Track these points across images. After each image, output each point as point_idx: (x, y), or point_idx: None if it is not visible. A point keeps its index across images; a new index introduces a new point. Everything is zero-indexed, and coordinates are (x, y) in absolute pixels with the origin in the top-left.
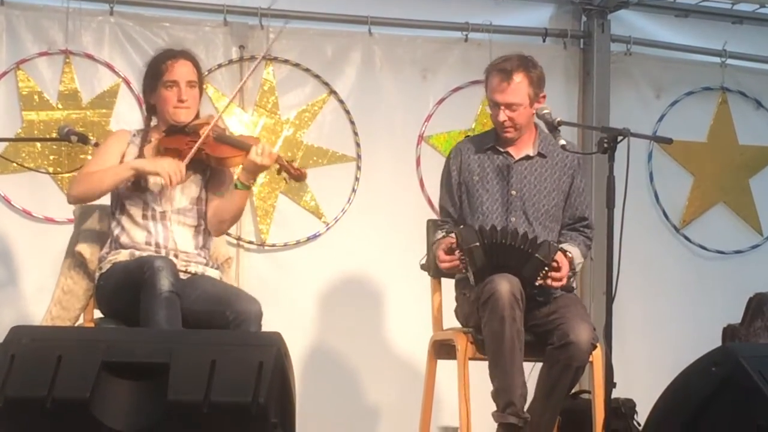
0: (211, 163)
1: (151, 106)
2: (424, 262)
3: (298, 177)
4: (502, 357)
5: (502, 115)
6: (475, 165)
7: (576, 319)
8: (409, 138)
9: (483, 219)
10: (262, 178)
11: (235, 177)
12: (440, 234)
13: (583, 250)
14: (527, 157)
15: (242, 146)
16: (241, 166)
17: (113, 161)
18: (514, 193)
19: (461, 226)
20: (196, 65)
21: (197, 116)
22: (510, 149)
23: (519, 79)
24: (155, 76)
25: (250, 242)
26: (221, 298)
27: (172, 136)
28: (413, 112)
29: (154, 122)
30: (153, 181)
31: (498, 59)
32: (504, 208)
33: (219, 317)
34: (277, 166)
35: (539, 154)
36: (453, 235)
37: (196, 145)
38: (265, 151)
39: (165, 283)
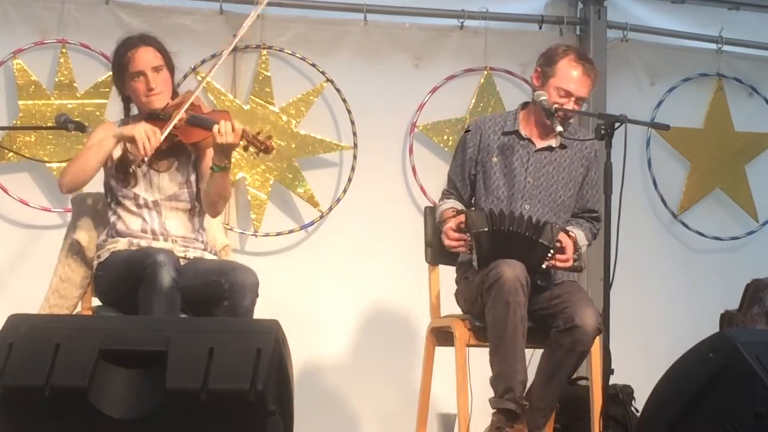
0: (189, 149)
1: (126, 98)
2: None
3: (266, 150)
4: (504, 343)
5: (570, 106)
6: (494, 147)
7: (581, 303)
8: (402, 126)
9: (497, 203)
10: (261, 165)
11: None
12: (447, 204)
13: (588, 235)
14: (549, 148)
15: (210, 126)
16: None
17: None
18: (531, 181)
19: (472, 209)
20: (159, 47)
21: (176, 94)
22: (533, 137)
23: (594, 77)
24: (121, 69)
25: (242, 232)
26: (217, 269)
27: (150, 123)
28: (407, 100)
29: (134, 111)
30: (141, 173)
31: (576, 48)
32: (519, 194)
33: (214, 287)
34: (244, 142)
35: (561, 146)
36: (463, 214)
37: (170, 125)
38: (227, 129)
39: (166, 278)
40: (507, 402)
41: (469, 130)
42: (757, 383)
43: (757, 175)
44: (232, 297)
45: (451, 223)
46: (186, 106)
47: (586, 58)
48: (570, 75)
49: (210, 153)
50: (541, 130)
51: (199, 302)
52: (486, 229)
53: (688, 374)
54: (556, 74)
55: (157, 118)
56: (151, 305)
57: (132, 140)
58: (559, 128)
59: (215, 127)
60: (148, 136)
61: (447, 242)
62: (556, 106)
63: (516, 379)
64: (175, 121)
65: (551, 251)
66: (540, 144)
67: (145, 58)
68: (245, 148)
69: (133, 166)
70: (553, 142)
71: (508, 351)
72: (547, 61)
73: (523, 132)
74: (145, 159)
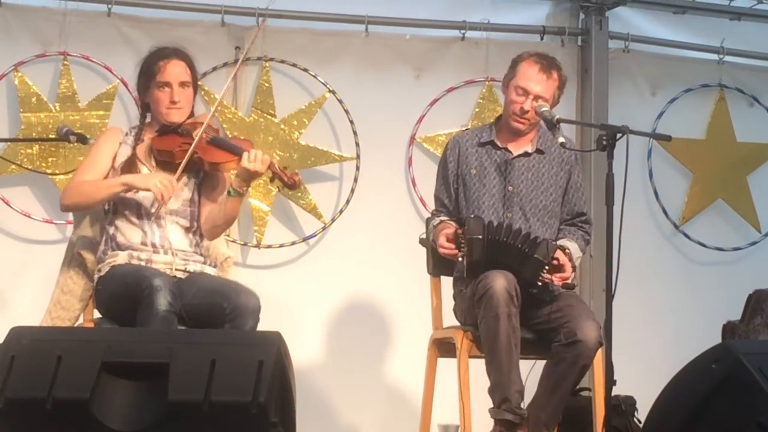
0: (205, 167)
1: (145, 104)
2: (424, 236)
3: (292, 185)
4: (498, 354)
5: (528, 104)
6: (473, 159)
7: (583, 317)
8: (404, 137)
9: (479, 213)
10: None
11: (228, 183)
12: (437, 221)
13: (581, 244)
14: (525, 154)
15: (235, 151)
16: (234, 171)
17: (105, 164)
18: (511, 188)
19: (471, 216)
20: (190, 64)
21: (192, 114)
22: (509, 145)
23: (556, 76)
24: (148, 75)
25: (245, 244)
26: (218, 291)
27: (164, 136)
28: (408, 111)
29: (148, 119)
30: (143, 195)
31: (533, 51)
32: (501, 203)
33: (216, 309)
34: (270, 174)
35: (537, 151)
36: (456, 223)
37: (188, 153)
38: (257, 157)
39: (163, 302)
40: (504, 412)
41: (447, 148)
42: (760, 394)
43: (760, 186)
44: (233, 321)
45: (449, 230)
46: (206, 123)
47: (547, 59)
48: (526, 72)
49: (223, 177)
50: (513, 136)
51: (200, 323)
52: (480, 237)
53: (690, 385)
54: (516, 74)
55: (174, 132)
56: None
57: (147, 191)
58: (562, 139)
59: (245, 154)
60: (165, 186)
61: (440, 249)
62: (557, 116)
63: (512, 389)
64: (196, 141)
65: (546, 267)
66: (516, 151)
67: (176, 71)
68: (271, 180)
69: (153, 210)
70: (529, 148)
71: (502, 362)
72: (512, 65)
73: (499, 142)
74: (164, 206)
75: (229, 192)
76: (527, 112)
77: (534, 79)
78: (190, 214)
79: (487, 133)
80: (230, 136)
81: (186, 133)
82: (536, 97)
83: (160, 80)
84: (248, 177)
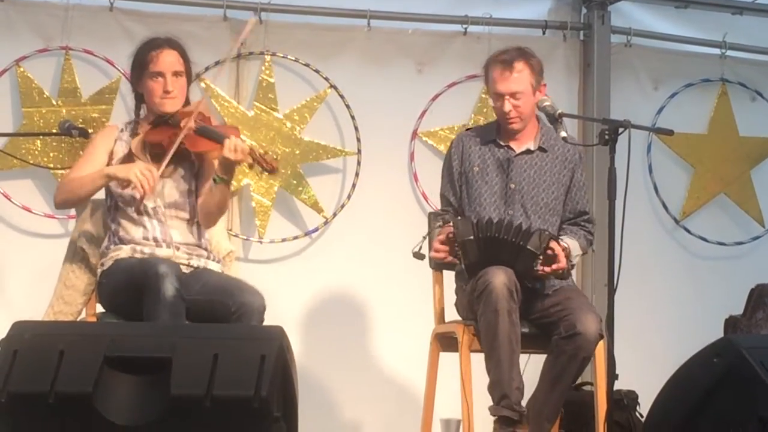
0: (192, 157)
1: (140, 95)
2: (417, 249)
3: (272, 170)
4: (497, 350)
5: (507, 105)
6: (475, 156)
7: (583, 309)
8: (406, 132)
9: (480, 211)
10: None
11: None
12: (440, 223)
13: (583, 243)
14: (528, 151)
15: (218, 139)
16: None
17: (100, 161)
18: (513, 186)
19: (458, 218)
20: (182, 53)
21: (187, 103)
22: (511, 143)
23: (520, 67)
24: (141, 66)
25: (247, 238)
26: (224, 289)
27: (157, 128)
28: (410, 106)
29: (143, 112)
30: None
31: (496, 53)
32: (502, 200)
33: (221, 308)
34: (250, 161)
35: (540, 149)
36: (451, 225)
37: (175, 144)
38: (237, 146)
39: (169, 288)
40: (503, 409)
41: (452, 146)
42: (762, 388)
43: (763, 180)
44: (239, 320)
45: (441, 235)
46: (195, 113)
47: (509, 53)
48: (493, 78)
49: (212, 164)
50: (515, 134)
51: (204, 319)
52: (471, 237)
53: (692, 379)
54: (488, 83)
55: (165, 123)
56: (156, 317)
57: (128, 183)
58: (564, 134)
59: (226, 142)
60: (144, 176)
61: (433, 254)
62: (560, 111)
63: (511, 386)
64: (183, 134)
65: (539, 258)
66: (519, 149)
67: (168, 60)
68: (250, 166)
69: (134, 207)
70: (531, 145)
71: (502, 358)
72: (484, 75)
73: (501, 140)
74: (145, 198)
75: (214, 180)
76: (509, 111)
77: (499, 81)
78: (189, 205)
79: (491, 131)
80: (222, 123)
81: (177, 125)
82: (511, 95)
83: (153, 70)
84: (229, 165)
